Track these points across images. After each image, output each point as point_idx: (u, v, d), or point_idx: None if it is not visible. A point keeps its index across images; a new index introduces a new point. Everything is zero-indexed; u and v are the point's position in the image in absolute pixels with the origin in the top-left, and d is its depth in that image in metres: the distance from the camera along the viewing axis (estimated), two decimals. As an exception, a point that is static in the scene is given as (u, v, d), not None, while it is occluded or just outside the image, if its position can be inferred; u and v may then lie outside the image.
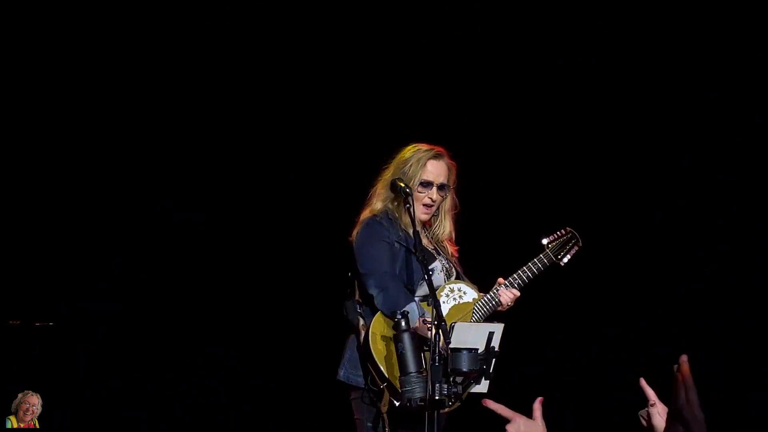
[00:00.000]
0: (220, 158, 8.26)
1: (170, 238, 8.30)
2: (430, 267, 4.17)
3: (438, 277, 4.24)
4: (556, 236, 4.40)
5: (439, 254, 4.30)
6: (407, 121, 7.43)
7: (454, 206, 4.41)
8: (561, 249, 4.38)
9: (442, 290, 4.21)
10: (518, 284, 4.24)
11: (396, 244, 4.21)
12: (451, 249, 4.38)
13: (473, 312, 4.16)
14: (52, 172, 8.23)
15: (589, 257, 7.64)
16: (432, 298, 3.79)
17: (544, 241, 4.38)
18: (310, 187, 7.90)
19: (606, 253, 7.77)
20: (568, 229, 4.44)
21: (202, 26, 7.97)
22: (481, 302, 4.18)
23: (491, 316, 4.20)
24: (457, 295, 4.20)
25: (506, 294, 4.19)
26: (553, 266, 4.37)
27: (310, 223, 7.62)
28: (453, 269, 4.30)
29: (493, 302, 4.21)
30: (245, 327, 8.31)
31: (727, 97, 7.44)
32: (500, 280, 4.25)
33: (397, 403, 3.89)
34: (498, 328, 3.73)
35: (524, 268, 4.28)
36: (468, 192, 4.57)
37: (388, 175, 4.31)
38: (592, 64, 7.48)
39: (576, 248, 4.41)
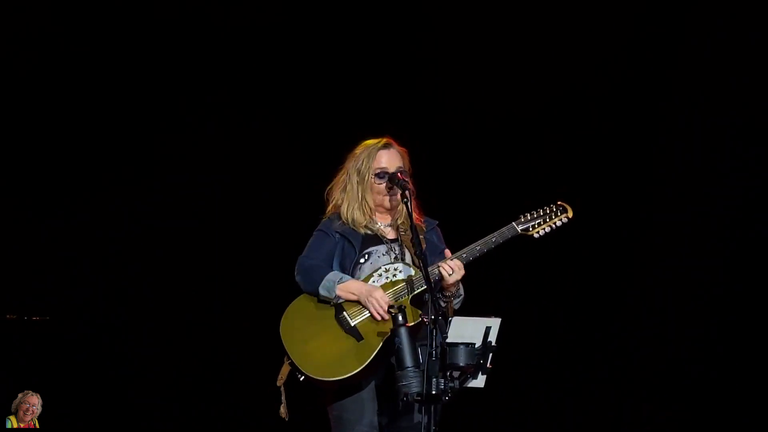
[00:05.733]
0: (218, 155, 8.29)
1: (169, 236, 8.32)
2: (366, 251, 4.23)
3: (379, 260, 4.23)
4: (534, 211, 4.31)
5: (391, 240, 4.27)
6: (400, 112, 7.48)
7: (413, 192, 4.32)
8: (537, 222, 4.27)
9: (377, 270, 4.19)
10: (464, 257, 4.14)
11: (336, 235, 4.26)
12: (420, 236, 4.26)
13: (406, 286, 4.11)
14: (48, 165, 8.27)
15: (589, 254, 7.71)
16: (429, 294, 3.79)
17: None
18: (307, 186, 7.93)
19: (604, 250, 7.81)
20: (559, 203, 4.35)
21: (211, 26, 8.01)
22: (417, 277, 4.11)
23: (420, 295, 4.11)
24: (391, 274, 4.17)
25: (445, 266, 4.08)
26: (522, 239, 4.27)
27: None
28: (406, 254, 4.24)
29: (431, 276, 4.05)
30: (246, 325, 8.31)
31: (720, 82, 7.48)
32: (446, 252, 4.18)
33: (301, 378, 4.03)
34: (495, 323, 3.72)
35: (479, 240, 4.19)
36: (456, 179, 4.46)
37: (342, 177, 4.39)
38: (584, 41, 7.52)
39: (561, 221, 4.30)
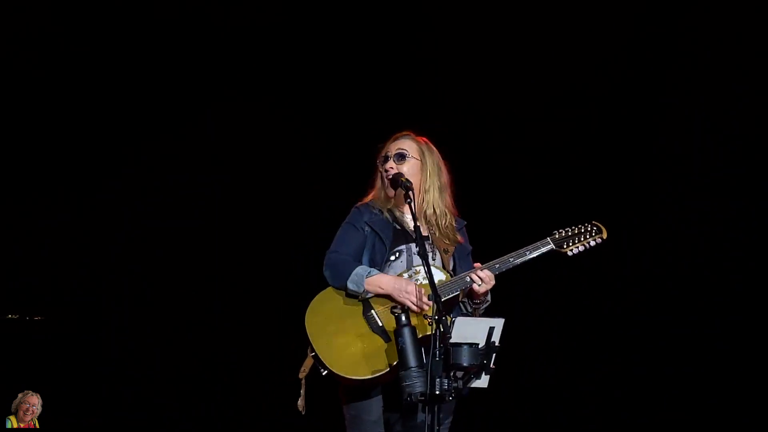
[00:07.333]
0: (222, 154, 8.30)
1: (169, 236, 8.32)
2: (397, 248, 4.18)
3: (410, 259, 4.19)
4: (569, 228, 4.28)
5: (423, 238, 4.18)
6: (409, 116, 7.46)
7: (444, 187, 4.32)
8: (571, 239, 4.24)
9: (406, 271, 4.15)
10: (496, 268, 4.11)
11: (367, 227, 4.21)
12: (456, 237, 4.29)
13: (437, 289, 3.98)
14: (48, 164, 8.27)
15: (591, 253, 7.71)
16: (433, 292, 3.77)
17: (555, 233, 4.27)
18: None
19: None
20: (593, 222, 4.30)
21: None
22: (446, 284, 4.07)
23: (452, 300, 4.09)
24: (422, 276, 4.11)
25: (475, 276, 4.06)
26: (555, 256, 4.24)
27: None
28: (437, 255, 4.21)
29: (459, 283, 4.08)
30: (246, 325, 8.31)
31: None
32: (476, 264, 4.15)
33: (323, 372, 3.98)
34: (498, 323, 3.70)
35: (512, 253, 4.16)
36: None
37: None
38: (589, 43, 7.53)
39: (595, 241, 4.26)
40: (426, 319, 3.86)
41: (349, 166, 4.82)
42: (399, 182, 4.14)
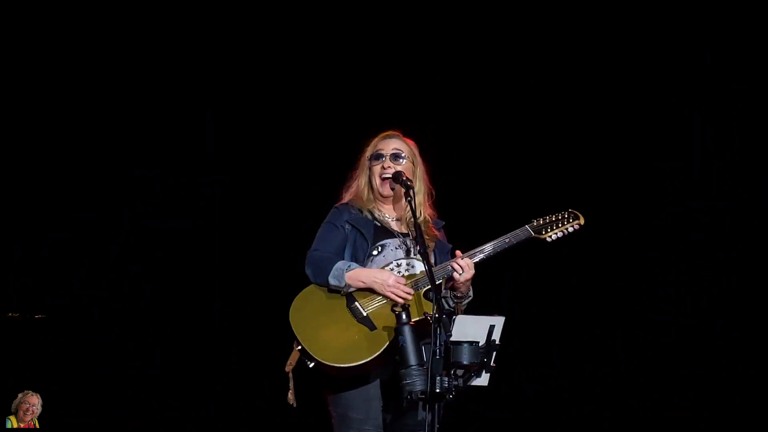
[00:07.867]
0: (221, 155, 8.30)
1: (169, 236, 8.32)
2: (380, 243, 4.22)
3: (392, 253, 4.23)
4: (548, 216, 4.33)
5: (403, 235, 4.26)
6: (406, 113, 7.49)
7: (428, 192, 4.38)
8: (550, 226, 4.31)
9: (389, 264, 4.18)
10: (477, 256, 4.16)
11: (347, 225, 4.24)
12: (434, 233, 4.34)
13: (418, 281, 4.09)
14: (49, 165, 8.27)
15: (592, 253, 7.70)
16: (433, 292, 3.78)
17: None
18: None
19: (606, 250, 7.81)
20: (570, 210, 4.36)
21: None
22: (429, 273, 4.06)
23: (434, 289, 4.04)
24: (404, 268, 4.17)
25: (455, 264, 4.09)
26: (536, 242, 4.29)
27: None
28: (418, 249, 4.21)
29: (441, 271, 4.12)
30: (246, 325, 8.31)
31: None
32: (458, 252, 4.18)
33: (310, 364, 3.98)
34: (499, 321, 3.72)
35: (493, 241, 4.22)
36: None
37: (356, 168, 4.43)
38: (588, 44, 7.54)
39: (573, 228, 4.32)
40: (426, 317, 3.88)
41: (349, 167, 4.82)
42: (400, 180, 4.17)
